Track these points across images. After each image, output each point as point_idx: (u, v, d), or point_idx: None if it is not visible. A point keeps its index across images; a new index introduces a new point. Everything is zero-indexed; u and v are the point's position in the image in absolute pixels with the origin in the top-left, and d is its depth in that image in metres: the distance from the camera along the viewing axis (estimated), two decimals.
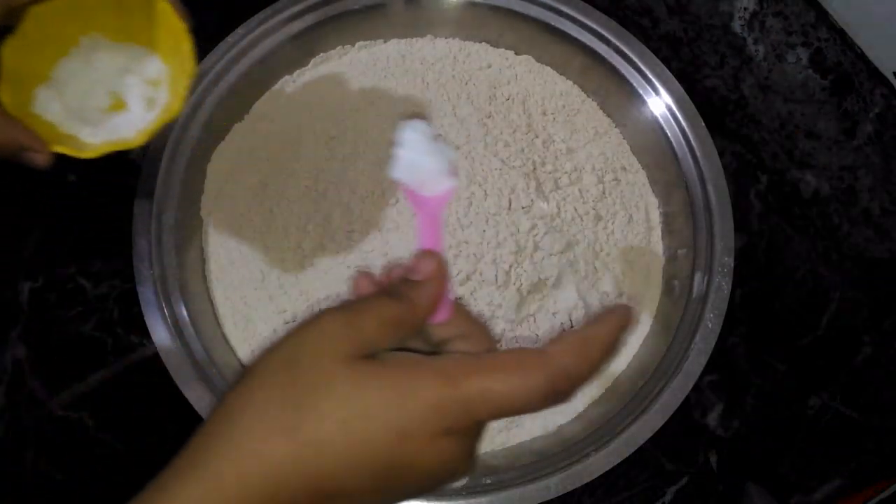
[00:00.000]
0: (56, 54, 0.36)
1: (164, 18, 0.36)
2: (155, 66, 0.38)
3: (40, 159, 0.34)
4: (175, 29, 0.36)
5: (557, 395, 0.25)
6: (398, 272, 0.29)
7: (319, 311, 0.26)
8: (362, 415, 0.23)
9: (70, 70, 0.36)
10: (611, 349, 0.26)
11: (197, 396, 0.42)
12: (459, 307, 0.28)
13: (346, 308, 0.26)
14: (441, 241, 0.29)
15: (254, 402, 0.24)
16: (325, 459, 0.23)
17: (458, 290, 0.44)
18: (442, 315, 0.28)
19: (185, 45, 0.36)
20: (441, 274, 0.28)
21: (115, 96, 0.38)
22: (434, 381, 0.24)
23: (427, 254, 0.28)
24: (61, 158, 0.36)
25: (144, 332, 0.45)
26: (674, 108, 0.51)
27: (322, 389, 0.24)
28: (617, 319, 0.27)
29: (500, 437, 0.46)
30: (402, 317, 0.26)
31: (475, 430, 0.26)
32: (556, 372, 0.25)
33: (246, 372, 0.25)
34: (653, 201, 0.53)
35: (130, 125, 0.36)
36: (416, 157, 0.28)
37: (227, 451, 0.23)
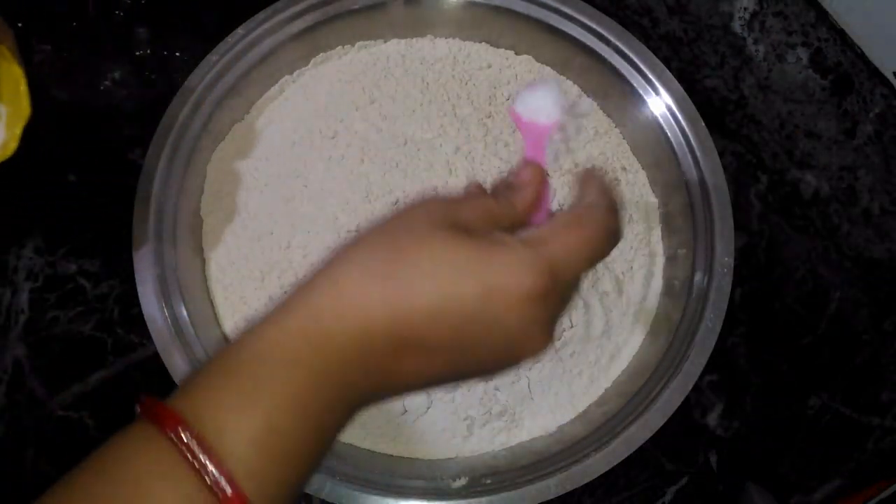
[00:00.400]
0: None
1: (1, 62, 0.38)
2: None
3: None
4: (13, 72, 0.38)
5: (612, 232, 0.29)
6: (503, 183, 0.32)
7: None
8: (452, 267, 0.25)
9: None
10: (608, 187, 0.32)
11: None
12: (560, 214, 0.30)
13: (446, 196, 0.29)
14: (544, 160, 0.33)
15: (357, 255, 0.26)
16: (412, 303, 0.25)
17: None
18: (538, 219, 0.31)
19: (22, 87, 0.38)
20: (538, 181, 0.31)
21: None
22: (517, 247, 0.27)
23: (529, 163, 0.31)
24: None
25: (144, 332, 0.45)
26: (674, 108, 0.51)
27: (417, 245, 0.26)
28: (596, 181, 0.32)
29: (500, 437, 0.46)
30: (499, 212, 0.29)
31: (554, 298, 0.27)
32: (604, 213, 0.29)
33: (354, 239, 0.28)
34: (653, 201, 0.53)
35: None
36: (536, 98, 0.33)
37: (328, 290, 0.25)
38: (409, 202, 0.29)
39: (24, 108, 0.38)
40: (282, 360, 0.24)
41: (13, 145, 0.38)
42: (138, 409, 0.24)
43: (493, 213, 0.29)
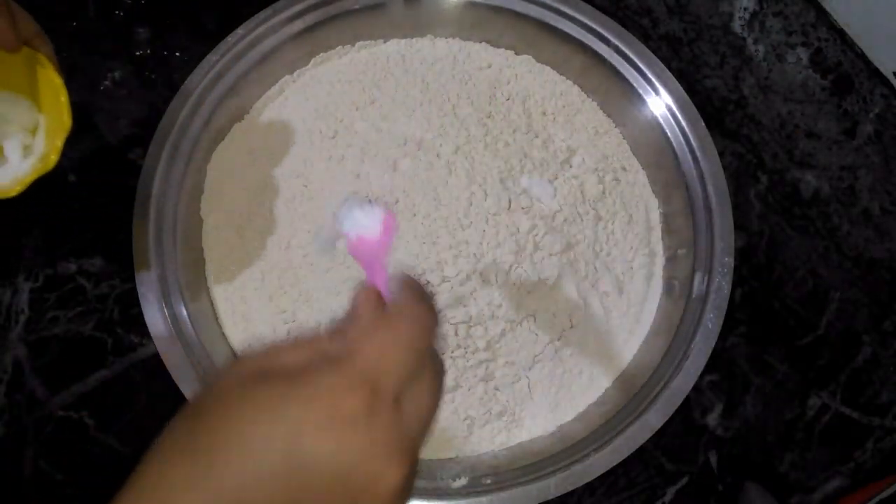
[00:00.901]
0: None
1: (42, 71, 0.37)
2: (32, 115, 0.39)
3: None
4: (53, 82, 0.37)
5: (425, 316, 0.26)
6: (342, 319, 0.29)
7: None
8: (253, 417, 0.22)
9: None
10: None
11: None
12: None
13: (269, 348, 0.26)
14: (385, 281, 0.30)
15: (160, 455, 0.24)
16: (218, 475, 0.22)
17: (458, 289, 0.44)
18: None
19: (63, 98, 0.37)
20: (373, 307, 0.28)
21: None
22: (323, 367, 0.24)
23: (363, 289, 0.29)
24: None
25: (144, 332, 0.44)
26: (674, 108, 0.51)
27: (217, 406, 0.23)
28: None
29: (500, 437, 0.46)
30: (330, 348, 0.25)
31: (386, 412, 0.24)
32: (409, 304, 0.26)
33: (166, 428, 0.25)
34: (653, 201, 0.53)
35: (7, 173, 0.37)
36: (355, 225, 0.32)
37: (137, 482, 0.23)
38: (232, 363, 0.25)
39: (66, 119, 0.36)
40: None
41: (54, 158, 0.36)
42: None
43: (325, 352, 0.25)
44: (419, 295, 0.27)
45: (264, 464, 0.22)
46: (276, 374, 0.24)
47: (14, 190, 0.36)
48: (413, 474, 0.24)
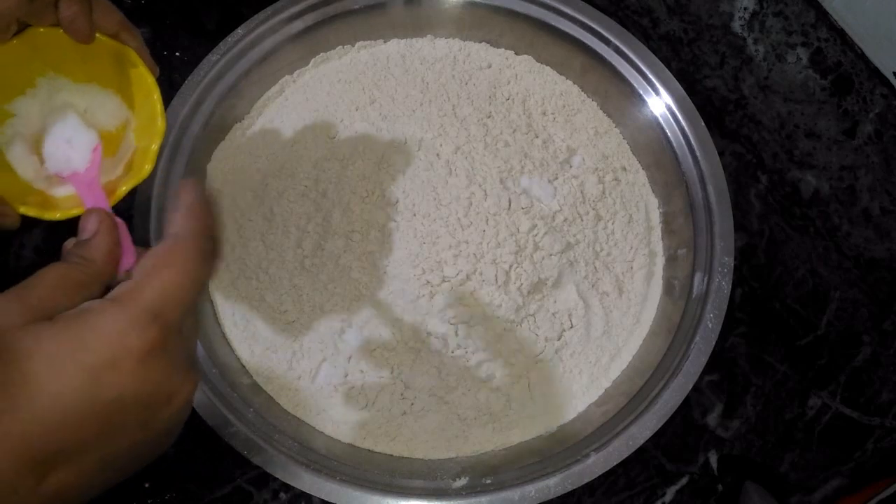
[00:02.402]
0: (13, 94, 0.34)
1: (132, 68, 0.35)
2: (122, 112, 0.36)
3: (8, 221, 0.33)
4: (144, 80, 0.34)
5: (206, 255, 0.27)
6: (71, 244, 0.29)
7: None
8: (44, 372, 0.23)
9: (28, 109, 0.35)
10: (206, 203, 0.29)
11: (197, 396, 0.42)
12: (146, 256, 0.28)
13: (15, 286, 0.26)
14: (104, 199, 0.30)
15: None
16: (22, 423, 0.22)
17: (458, 289, 0.44)
18: (126, 262, 0.29)
19: (155, 96, 0.34)
20: (108, 225, 0.29)
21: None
22: (108, 310, 0.24)
23: (90, 211, 0.29)
24: None
25: None
26: (674, 108, 0.51)
27: (2, 361, 0.23)
28: (191, 190, 0.29)
29: (500, 438, 0.46)
30: (77, 276, 0.27)
31: (175, 341, 0.25)
32: (191, 241, 0.27)
33: None
34: (653, 201, 0.53)
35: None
36: (61, 150, 0.31)
37: None
38: None
39: (160, 123, 0.33)
40: None
41: (149, 167, 0.33)
42: None
43: (73, 280, 0.26)
44: (202, 225, 0.28)
45: (67, 405, 0.23)
46: (45, 316, 0.24)
47: (108, 203, 0.33)
48: (197, 382, 0.27)
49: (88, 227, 0.29)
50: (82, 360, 0.23)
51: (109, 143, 0.36)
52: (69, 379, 0.23)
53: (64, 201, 0.34)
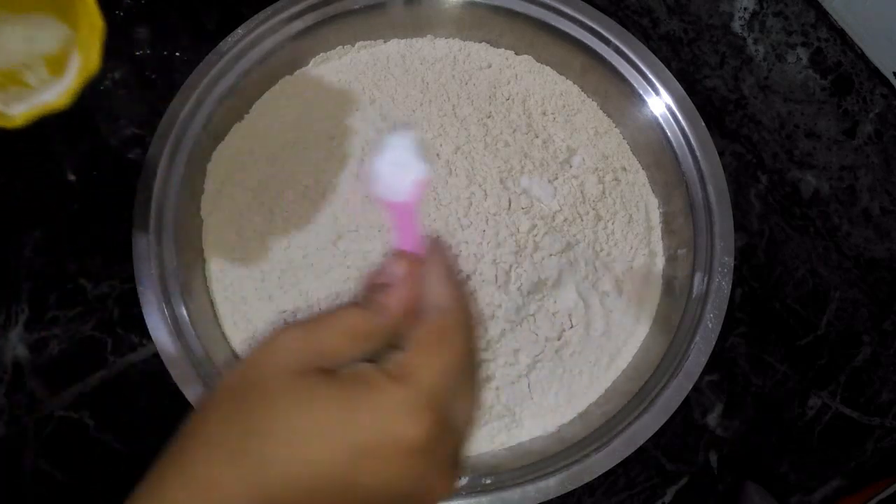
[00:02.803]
0: None
1: None
2: (61, 31, 0.37)
3: None
4: None
5: (471, 319, 0.25)
6: (371, 284, 0.27)
7: (278, 328, 0.24)
8: (308, 432, 0.21)
9: None
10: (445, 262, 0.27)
11: (197, 396, 0.42)
12: (417, 335, 0.25)
13: (306, 321, 0.24)
14: (418, 240, 0.28)
15: (205, 430, 0.23)
16: (271, 483, 0.21)
17: None
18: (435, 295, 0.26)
19: (90, 3, 0.35)
20: (414, 277, 0.26)
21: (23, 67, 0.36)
22: (388, 389, 0.22)
23: (397, 255, 0.27)
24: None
25: (144, 332, 0.44)
26: (674, 108, 0.51)
27: (267, 407, 0.22)
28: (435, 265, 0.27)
29: (500, 437, 0.46)
30: (371, 326, 0.25)
31: (445, 433, 0.23)
32: (455, 311, 0.25)
33: (202, 399, 0.24)
34: (653, 201, 0.53)
35: (53, 92, 0.36)
36: (388, 170, 0.29)
37: (180, 482, 0.22)
38: (263, 339, 0.24)
39: (96, 21, 0.35)
40: None
41: (95, 61, 0.35)
42: None
43: (363, 331, 0.24)
44: (461, 294, 0.26)
45: (320, 479, 0.21)
46: (323, 368, 0.23)
47: (62, 102, 0.34)
48: (457, 481, 0.25)
49: (396, 272, 0.26)
50: (349, 435, 0.21)
51: (55, 65, 0.37)
52: (330, 452, 0.21)
53: (18, 114, 0.34)
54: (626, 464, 0.42)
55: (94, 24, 0.36)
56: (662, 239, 0.52)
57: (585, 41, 0.52)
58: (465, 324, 0.25)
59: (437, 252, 0.27)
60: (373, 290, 0.26)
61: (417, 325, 0.25)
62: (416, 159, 0.29)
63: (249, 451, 0.22)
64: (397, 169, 0.29)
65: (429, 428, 0.22)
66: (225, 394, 0.24)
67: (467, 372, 0.24)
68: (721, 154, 0.50)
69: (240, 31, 0.50)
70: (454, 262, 0.27)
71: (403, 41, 0.55)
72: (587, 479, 0.42)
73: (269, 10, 0.50)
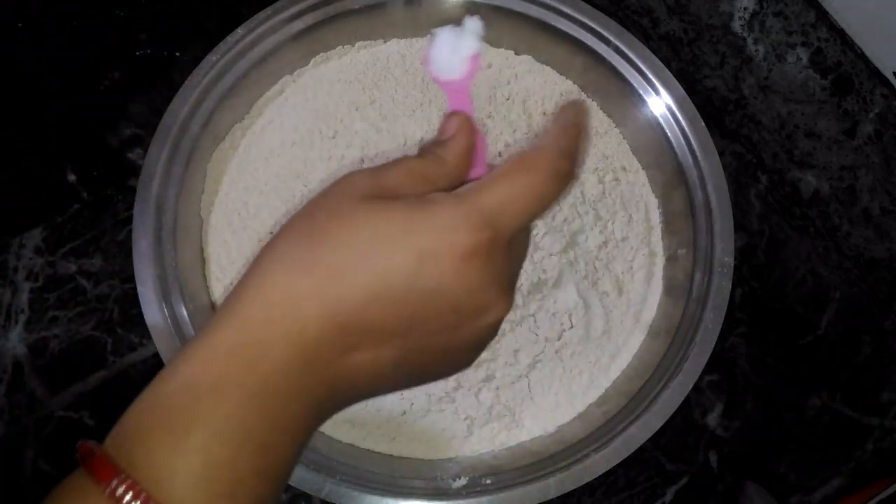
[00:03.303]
0: None
1: None
2: None
3: None
4: None
5: (562, 175, 0.26)
6: (431, 142, 0.29)
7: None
8: (379, 239, 0.23)
9: None
10: (581, 126, 0.28)
11: None
12: (503, 162, 0.27)
13: (371, 167, 0.27)
14: (470, 108, 0.30)
15: (279, 249, 0.25)
16: (343, 288, 0.23)
17: None
18: (477, 171, 0.28)
19: None
20: (467, 130, 0.28)
21: None
22: (447, 202, 0.24)
23: (453, 114, 0.29)
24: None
25: (144, 332, 0.45)
26: (674, 108, 0.51)
27: (337, 224, 0.24)
28: (574, 110, 0.28)
29: (500, 437, 0.46)
30: (429, 170, 0.27)
31: (501, 253, 0.25)
32: (553, 155, 0.26)
33: (279, 231, 0.26)
34: (653, 201, 0.53)
35: None
36: (444, 55, 0.32)
37: (253, 294, 0.23)
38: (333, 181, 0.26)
39: None
40: (211, 384, 0.22)
41: None
42: (77, 456, 0.22)
43: (422, 173, 0.26)
44: (569, 145, 0.27)
45: (386, 282, 0.23)
46: (390, 195, 0.25)
47: None
48: (510, 307, 0.26)
49: (448, 129, 0.28)
50: (411, 242, 0.23)
51: None
52: (394, 259, 0.23)
53: None
54: (626, 464, 0.42)
55: None
56: (662, 239, 0.52)
57: (585, 41, 0.52)
58: (549, 161, 0.26)
59: (573, 107, 0.29)
60: (432, 144, 0.28)
61: (501, 161, 0.27)
62: (468, 40, 0.32)
63: (325, 266, 0.23)
64: (451, 50, 0.32)
65: (483, 240, 0.23)
66: (297, 220, 0.26)
67: (533, 203, 0.25)
68: (721, 154, 0.50)
69: (240, 31, 0.50)
70: (583, 123, 0.29)
71: (403, 41, 0.55)
72: (587, 479, 0.42)
73: (269, 10, 0.50)
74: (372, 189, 0.25)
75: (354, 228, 0.24)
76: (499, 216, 0.24)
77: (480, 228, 0.24)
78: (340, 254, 0.23)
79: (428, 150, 0.28)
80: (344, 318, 0.23)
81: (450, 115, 0.29)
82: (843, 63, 0.60)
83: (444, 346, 0.25)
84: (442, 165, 0.27)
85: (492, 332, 0.26)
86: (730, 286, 0.46)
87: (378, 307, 0.23)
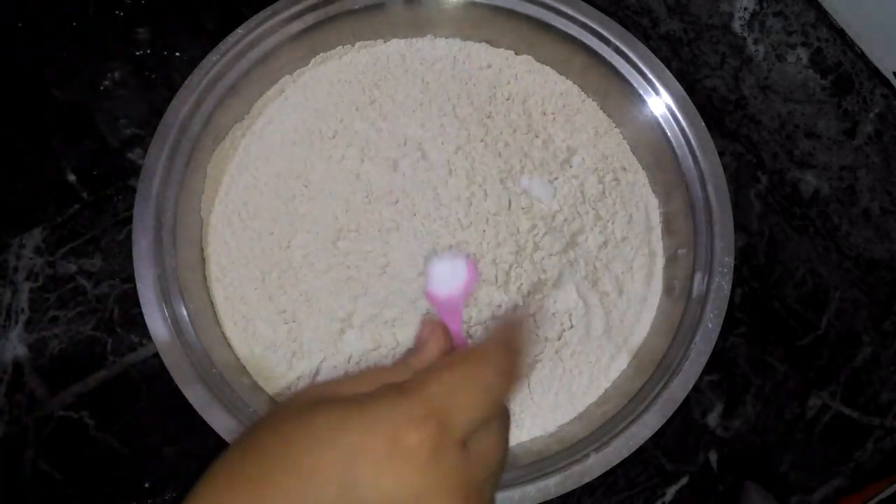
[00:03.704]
0: None
1: None
2: None
3: None
4: None
5: (506, 370, 0.25)
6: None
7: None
8: (308, 440, 0.22)
9: None
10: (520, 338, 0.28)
11: (197, 396, 0.42)
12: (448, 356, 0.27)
13: (334, 380, 0.26)
14: (460, 325, 0.32)
15: (213, 487, 0.23)
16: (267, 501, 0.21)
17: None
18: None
19: None
20: (440, 336, 0.27)
21: None
22: (389, 394, 0.22)
23: (427, 321, 0.29)
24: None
25: (144, 332, 0.45)
26: (674, 108, 0.51)
27: (271, 433, 0.23)
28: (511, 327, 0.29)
29: None
30: (392, 377, 0.25)
31: (452, 453, 0.22)
32: (496, 348, 0.25)
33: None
34: (653, 201, 0.53)
35: None
36: (444, 277, 0.34)
37: None
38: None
39: None
40: None
41: None
42: None
43: (384, 380, 0.24)
44: (510, 346, 0.26)
45: (318, 493, 0.21)
46: (333, 400, 0.23)
47: None
48: None
49: (423, 335, 0.28)
50: (341, 439, 0.21)
51: None
52: (324, 458, 0.21)
53: None
54: (626, 464, 0.42)
55: None
56: (662, 239, 0.52)
57: (585, 41, 0.52)
58: (493, 356, 0.25)
59: (506, 330, 0.29)
60: (404, 355, 0.28)
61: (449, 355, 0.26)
62: (465, 268, 0.35)
63: (254, 498, 0.21)
64: (450, 273, 0.34)
65: (429, 434, 0.21)
66: (235, 447, 0.24)
67: (493, 411, 0.23)
68: (721, 154, 0.50)
69: (240, 31, 0.50)
70: (519, 335, 0.29)
71: (403, 41, 0.55)
72: (587, 479, 0.42)
73: (269, 10, 0.50)
74: (318, 397, 0.23)
75: (286, 436, 0.22)
76: (444, 409, 0.22)
77: (424, 420, 0.21)
78: (272, 465, 0.21)
79: (400, 360, 0.27)
80: None
81: (424, 322, 0.29)
82: (843, 63, 0.60)
83: None
84: (407, 372, 0.25)
85: None
86: (730, 286, 0.46)
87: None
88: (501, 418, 0.25)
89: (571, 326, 0.47)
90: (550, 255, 0.46)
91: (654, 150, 0.52)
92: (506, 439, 0.25)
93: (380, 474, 0.21)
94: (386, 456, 0.21)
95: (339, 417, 0.22)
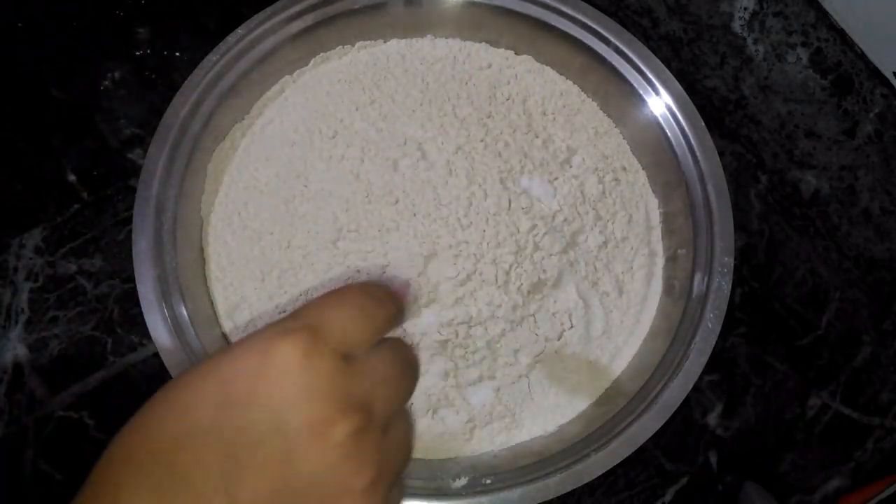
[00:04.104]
0: None
1: None
2: None
3: None
4: None
5: (379, 297, 0.25)
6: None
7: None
8: (184, 376, 0.23)
9: None
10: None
11: None
12: None
13: None
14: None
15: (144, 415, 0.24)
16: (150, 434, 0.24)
17: (458, 289, 0.44)
18: None
19: None
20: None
21: None
22: (267, 327, 0.23)
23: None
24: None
25: (144, 332, 0.45)
26: (674, 108, 0.51)
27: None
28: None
29: (500, 438, 0.46)
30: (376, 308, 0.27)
31: (331, 360, 0.21)
32: (363, 284, 0.27)
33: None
34: (653, 201, 0.53)
35: None
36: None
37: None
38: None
39: None
40: None
41: None
42: None
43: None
44: (374, 284, 0.29)
45: (196, 418, 0.22)
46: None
47: None
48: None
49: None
50: (210, 364, 0.22)
51: None
52: (196, 390, 0.22)
53: None
54: (626, 464, 0.42)
55: None
56: (662, 239, 0.52)
57: (585, 41, 0.52)
58: (359, 287, 0.26)
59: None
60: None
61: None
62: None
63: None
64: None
65: (302, 342, 0.21)
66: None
67: (366, 323, 0.24)
68: (721, 154, 0.50)
69: (240, 31, 0.50)
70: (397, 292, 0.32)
71: (403, 41, 0.55)
72: (587, 479, 0.42)
73: (269, 10, 0.50)
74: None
75: (168, 386, 0.23)
76: (317, 322, 0.22)
77: (294, 330, 0.21)
78: (152, 409, 0.24)
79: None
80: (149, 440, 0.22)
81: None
82: (843, 63, 0.60)
83: (283, 487, 0.20)
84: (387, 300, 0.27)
85: (354, 458, 0.21)
86: (730, 286, 0.46)
87: (189, 448, 0.21)
88: (405, 419, 0.26)
89: (571, 326, 0.47)
90: (550, 255, 0.46)
91: (653, 150, 0.52)
92: (411, 438, 0.26)
93: (253, 386, 0.20)
94: (258, 368, 0.21)
95: (217, 355, 0.22)
